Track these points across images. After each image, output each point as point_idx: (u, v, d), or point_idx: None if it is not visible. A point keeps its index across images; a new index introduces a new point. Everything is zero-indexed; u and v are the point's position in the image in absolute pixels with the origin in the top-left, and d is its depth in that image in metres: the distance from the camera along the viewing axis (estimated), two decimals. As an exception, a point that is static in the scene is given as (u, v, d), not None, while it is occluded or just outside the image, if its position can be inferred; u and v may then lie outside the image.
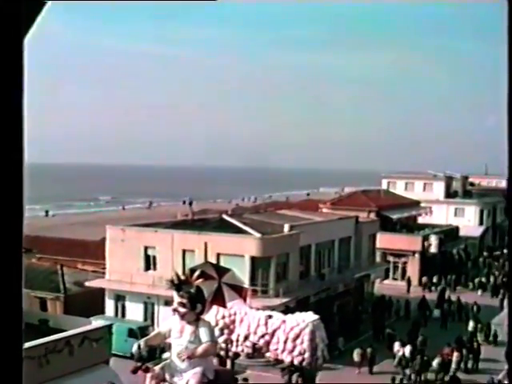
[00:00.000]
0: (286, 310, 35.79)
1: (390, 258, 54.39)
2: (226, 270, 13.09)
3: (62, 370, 22.58)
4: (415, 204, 63.09)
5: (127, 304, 38.02)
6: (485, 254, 67.78)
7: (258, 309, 33.97)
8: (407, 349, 34.10)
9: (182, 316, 10.58)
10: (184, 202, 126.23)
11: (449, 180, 72.88)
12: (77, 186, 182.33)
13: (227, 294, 12.59)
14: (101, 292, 38.37)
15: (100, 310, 37.41)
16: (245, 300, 14.21)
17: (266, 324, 17.86)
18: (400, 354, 34.00)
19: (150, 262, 37.64)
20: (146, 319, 36.60)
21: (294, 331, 16.97)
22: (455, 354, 31.63)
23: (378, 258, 52.53)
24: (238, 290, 12.92)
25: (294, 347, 18.79)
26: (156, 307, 36.81)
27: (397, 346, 34.19)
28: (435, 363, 31.39)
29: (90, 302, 37.26)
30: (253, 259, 35.00)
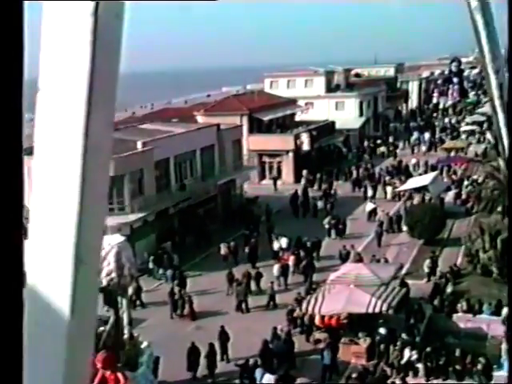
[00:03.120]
0: (145, 223, 37.24)
1: (266, 159, 56.06)
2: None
3: None
4: (291, 103, 63.93)
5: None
6: (366, 144, 70.02)
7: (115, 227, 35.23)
8: (283, 241, 35.84)
9: None
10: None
11: (329, 74, 73.92)
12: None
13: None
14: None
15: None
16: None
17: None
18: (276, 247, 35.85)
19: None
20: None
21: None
22: (291, 258, 32.69)
23: (254, 160, 54.14)
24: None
25: (102, 269, 20.38)
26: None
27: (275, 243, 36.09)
28: (275, 270, 31.89)
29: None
30: (106, 179, 35.78)
